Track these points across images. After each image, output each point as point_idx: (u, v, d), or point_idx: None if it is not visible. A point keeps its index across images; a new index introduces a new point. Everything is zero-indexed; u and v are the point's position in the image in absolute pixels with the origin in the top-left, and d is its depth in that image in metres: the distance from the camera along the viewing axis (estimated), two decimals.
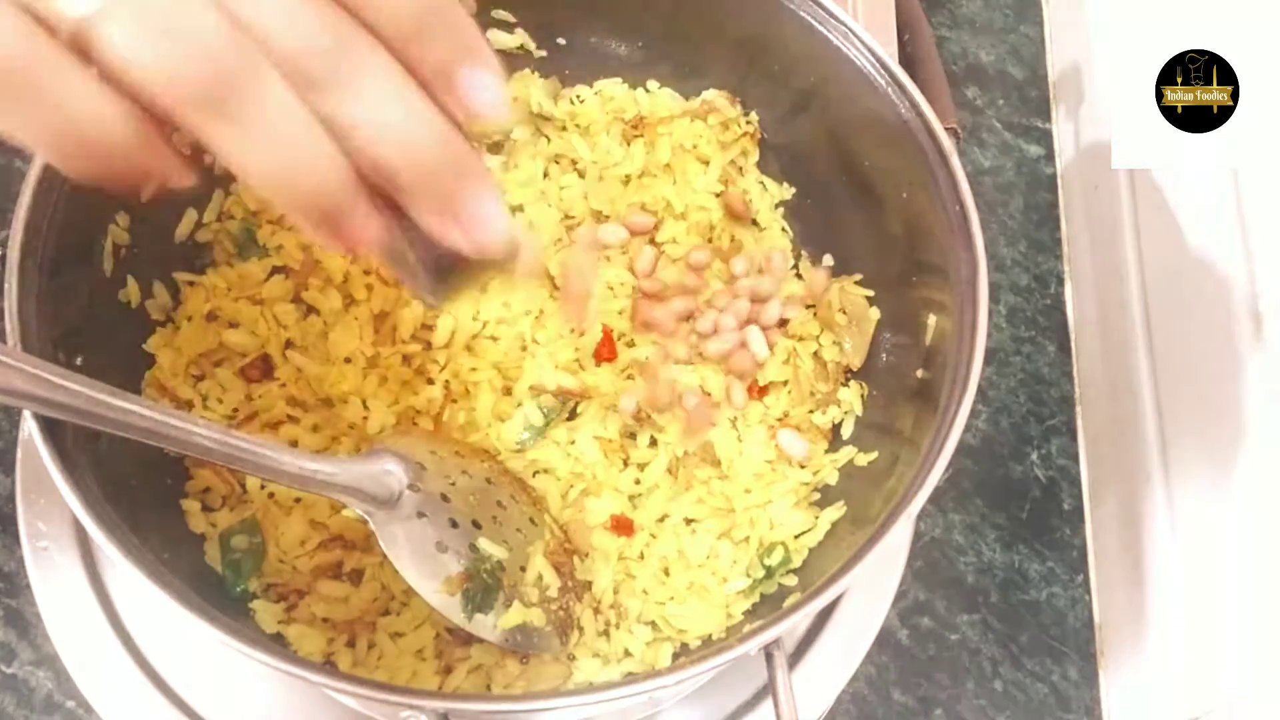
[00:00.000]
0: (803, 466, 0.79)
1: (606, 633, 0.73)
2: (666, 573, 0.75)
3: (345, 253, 0.44)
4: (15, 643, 0.88)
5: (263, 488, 0.74)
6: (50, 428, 0.57)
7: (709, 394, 0.81)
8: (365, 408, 0.76)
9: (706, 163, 0.88)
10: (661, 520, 0.77)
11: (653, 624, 0.74)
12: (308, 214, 0.37)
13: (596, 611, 0.74)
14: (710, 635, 0.73)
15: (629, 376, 0.80)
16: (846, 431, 0.81)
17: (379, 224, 0.38)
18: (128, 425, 0.55)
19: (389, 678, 0.69)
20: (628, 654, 0.73)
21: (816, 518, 0.76)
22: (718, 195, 0.88)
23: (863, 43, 0.76)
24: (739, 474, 0.78)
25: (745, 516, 0.76)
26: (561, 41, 0.90)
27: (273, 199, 0.36)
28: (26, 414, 0.56)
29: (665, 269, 0.85)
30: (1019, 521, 1.03)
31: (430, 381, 0.78)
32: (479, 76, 0.37)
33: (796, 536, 0.76)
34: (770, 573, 0.75)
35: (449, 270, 0.42)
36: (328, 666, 0.68)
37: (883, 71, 0.75)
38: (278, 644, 0.69)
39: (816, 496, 0.79)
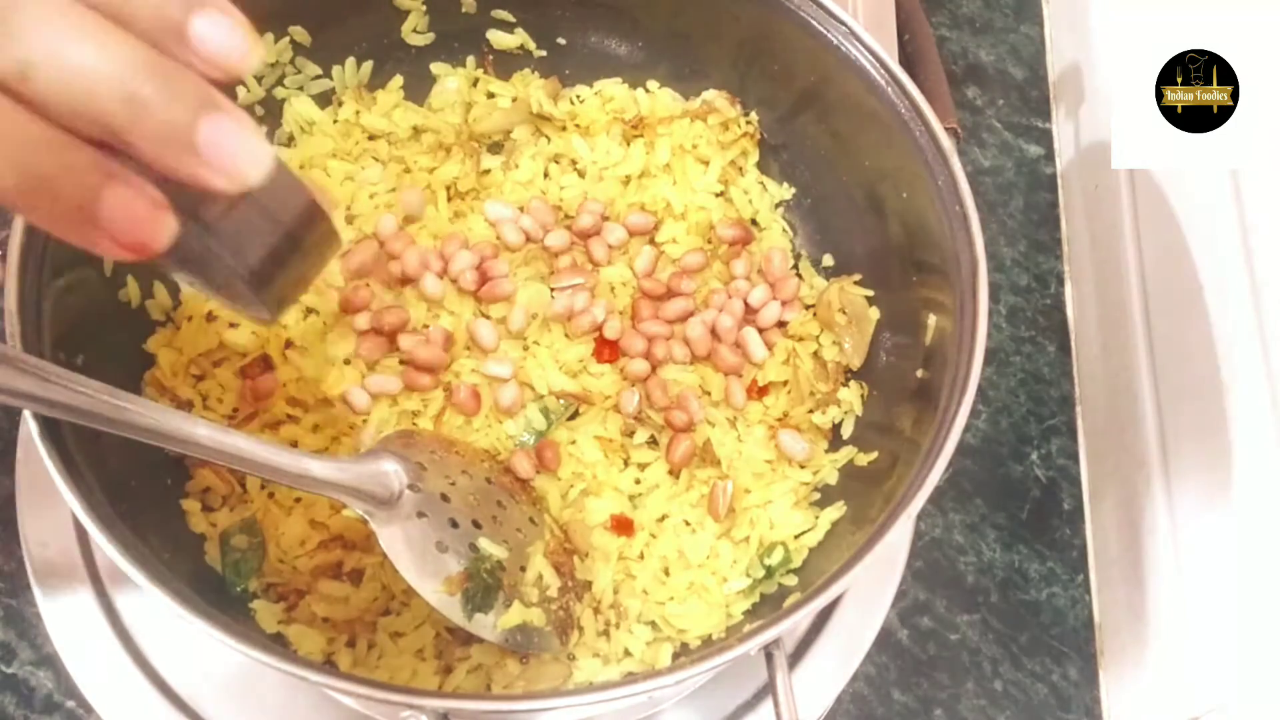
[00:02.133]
0: (803, 466, 0.79)
1: (606, 633, 0.73)
2: (666, 573, 0.75)
3: (126, 252, 0.35)
4: (15, 643, 0.88)
5: (263, 488, 0.74)
6: (50, 428, 0.57)
7: (708, 393, 0.81)
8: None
9: (706, 163, 0.88)
10: (661, 520, 0.77)
11: (653, 624, 0.74)
12: (37, 205, 0.33)
13: (596, 611, 0.73)
14: (710, 635, 0.73)
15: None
16: (846, 431, 0.81)
17: (146, 203, 0.34)
18: (128, 425, 0.55)
19: (389, 678, 0.69)
20: (628, 654, 0.73)
21: (816, 518, 0.76)
22: (718, 195, 0.88)
23: (863, 43, 0.76)
24: (739, 474, 0.78)
25: (745, 516, 0.76)
26: (561, 41, 0.90)
27: None
28: (26, 414, 0.56)
29: (665, 269, 0.85)
30: (1019, 521, 1.03)
31: None
32: (207, 19, 0.35)
33: (796, 536, 0.76)
34: (770, 573, 0.75)
35: (267, 275, 0.40)
36: (328, 666, 0.68)
37: (883, 71, 0.76)
38: (278, 644, 0.69)
39: (816, 496, 0.79)
